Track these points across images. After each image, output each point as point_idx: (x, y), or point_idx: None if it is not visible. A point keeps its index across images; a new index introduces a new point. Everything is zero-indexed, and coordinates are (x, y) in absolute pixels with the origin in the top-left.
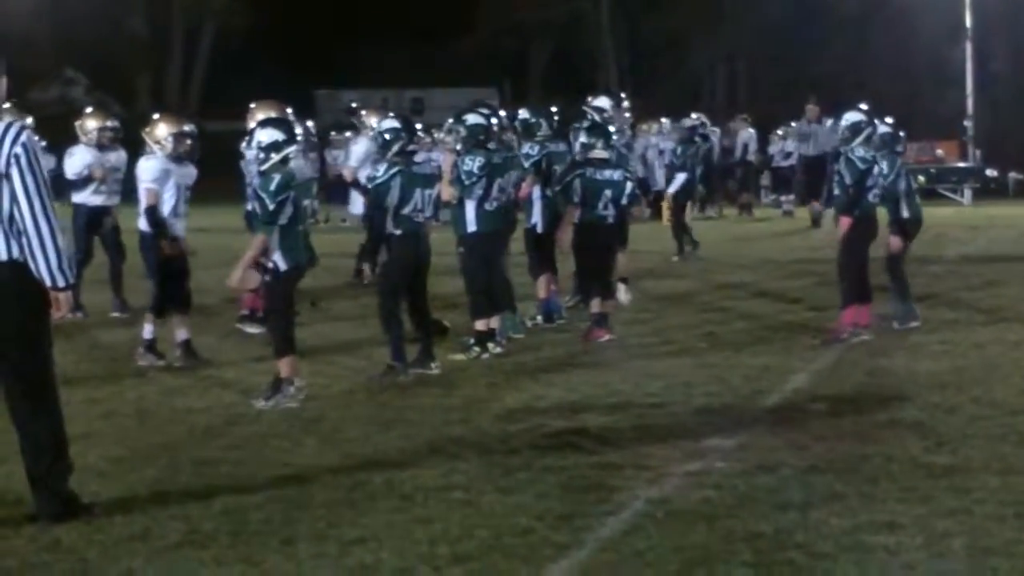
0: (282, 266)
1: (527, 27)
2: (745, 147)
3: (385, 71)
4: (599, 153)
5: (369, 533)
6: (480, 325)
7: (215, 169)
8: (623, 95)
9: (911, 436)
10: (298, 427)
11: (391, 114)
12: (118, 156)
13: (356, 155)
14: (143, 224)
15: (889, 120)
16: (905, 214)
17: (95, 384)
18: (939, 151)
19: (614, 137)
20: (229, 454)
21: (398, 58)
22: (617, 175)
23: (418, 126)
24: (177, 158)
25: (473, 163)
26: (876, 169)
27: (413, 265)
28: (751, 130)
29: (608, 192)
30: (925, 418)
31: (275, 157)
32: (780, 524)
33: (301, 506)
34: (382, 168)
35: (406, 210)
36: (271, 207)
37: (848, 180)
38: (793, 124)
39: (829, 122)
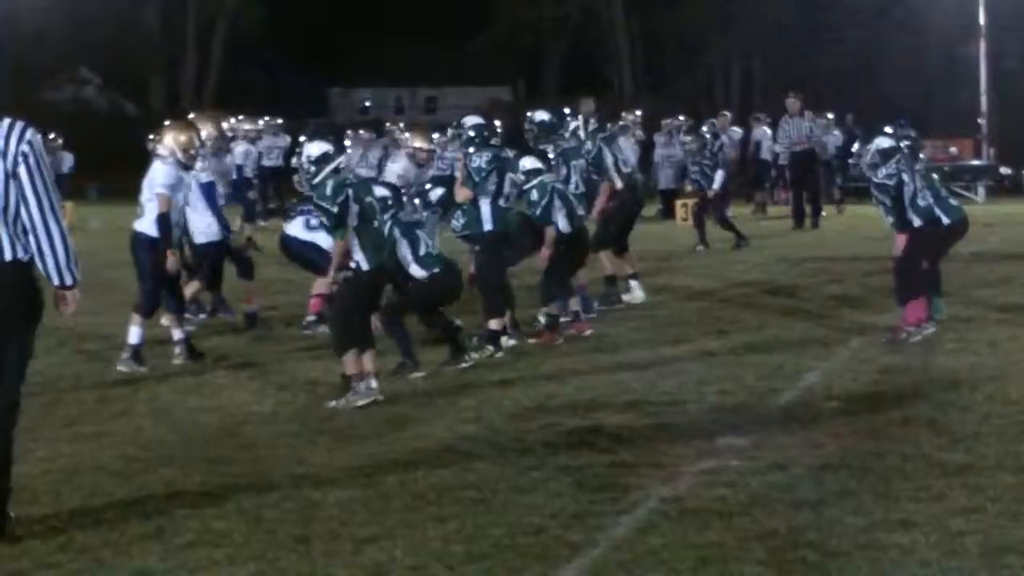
0: (364, 266)
1: (542, 25)
2: (758, 145)
3: (399, 70)
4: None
5: (383, 532)
6: (495, 324)
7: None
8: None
9: (925, 434)
10: (312, 426)
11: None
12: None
13: (393, 172)
14: (149, 228)
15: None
16: (945, 220)
17: (109, 384)
18: (953, 149)
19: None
20: (243, 453)
21: (412, 57)
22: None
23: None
24: (186, 167)
25: (480, 159)
26: (906, 177)
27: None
28: (765, 128)
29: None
30: (939, 416)
31: (327, 169)
32: (794, 522)
33: (315, 505)
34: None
35: None
36: (334, 211)
37: (888, 201)
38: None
39: (808, 115)
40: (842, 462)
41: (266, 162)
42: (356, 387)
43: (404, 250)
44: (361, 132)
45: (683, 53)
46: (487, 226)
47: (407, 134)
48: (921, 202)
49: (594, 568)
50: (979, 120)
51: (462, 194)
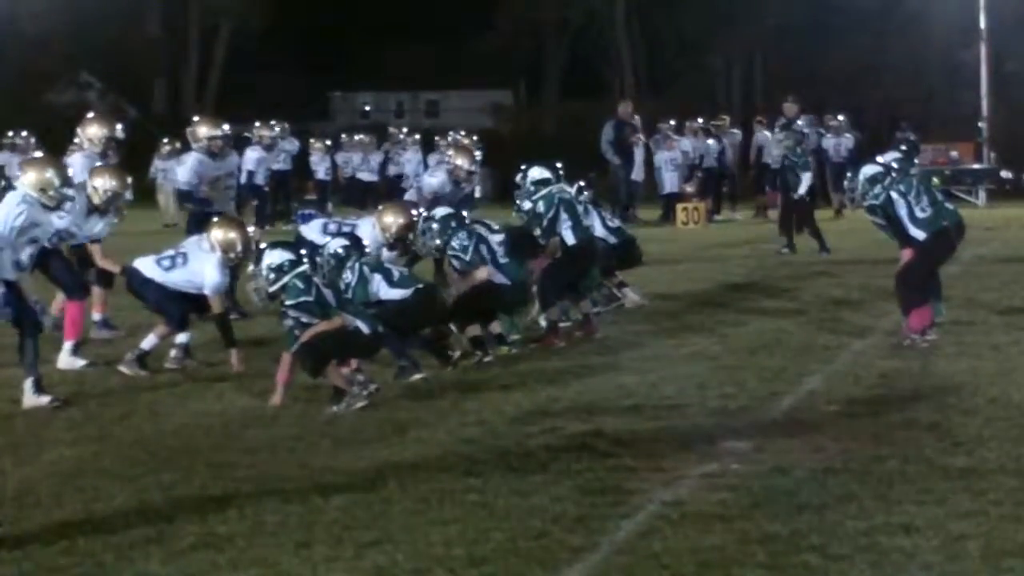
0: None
1: (543, 28)
2: (760, 149)
3: (400, 74)
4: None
5: (385, 535)
6: (472, 331)
7: None
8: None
9: (927, 437)
10: (314, 430)
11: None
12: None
13: (429, 187)
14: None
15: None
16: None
17: (111, 387)
18: (954, 153)
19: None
20: (244, 457)
21: (413, 60)
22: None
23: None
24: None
25: (458, 242)
26: (895, 195)
27: None
28: (767, 132)
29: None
30: (941, 419)
31: (284, 279)
32: (795, 526)
33: (317, 508)
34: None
35: None
36: (312, 300)
37: (882, 221)
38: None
39: (804, 120)
40: (844, 465)
41: (274, 166)
42: (351, 391)
43: (377, 283)
44: (361, 137)
45: (684, 56)
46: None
47: (450, 151)
48: (921, 214)
49: (596, 572)
50: (980, 124)
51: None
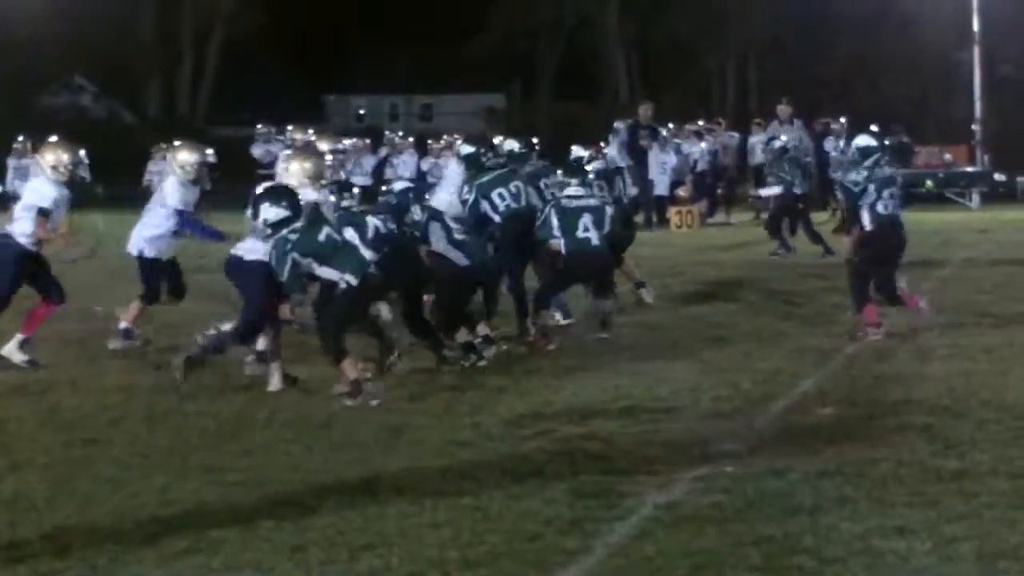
0: (352, 282)
1: (537, 32)
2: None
3: (394, 77)
4: (574, 191)
5: (379, 539)
6: (460, 337)
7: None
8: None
9: (920, 440)
10: (308, 432)
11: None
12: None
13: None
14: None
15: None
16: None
17: (105, 390)
18: (947, 155)
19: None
20: (239, 460)
21: (408, 64)
22: (594, 201)
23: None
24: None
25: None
26: (871, 188)
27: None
28: (764, 135)
29: (587, 217)
30: (934, 422)
31: (284, 231)
32: (789, 528)
33: (311, 511)
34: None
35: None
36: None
37: (845, 203)
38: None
39: (798, 123)
40: (837, 468)
41: (260, 171)
42: (366, 388)
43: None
44: (354, 140)
45: (678, 59)
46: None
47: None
48: (881, 209)
49: (589, 575)
50: (973, 126)
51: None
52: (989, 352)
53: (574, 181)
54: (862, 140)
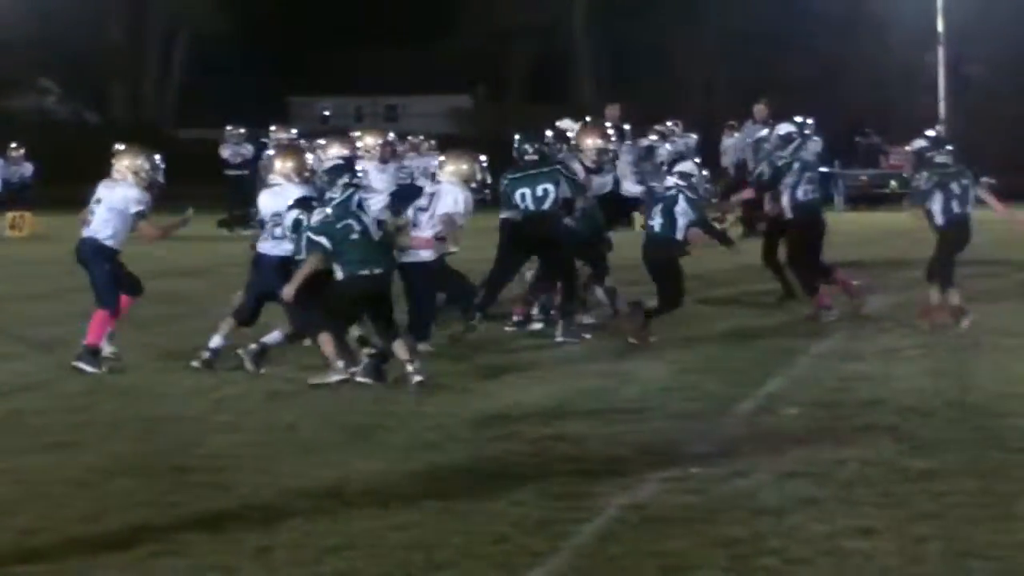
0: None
1: (505, 32)
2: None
3: (360, 78)
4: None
5: (345, 541)
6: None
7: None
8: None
9: (887, 440)
10: (275, 435)
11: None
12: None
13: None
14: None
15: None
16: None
17: (72, 394)
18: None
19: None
20: (206, 462)
21: (373, 65)
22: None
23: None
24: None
25: None
26: (795, 166)
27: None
28: (738, 135)
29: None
30: (901, 422)
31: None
32: (756, 529)
33: (278, 514)
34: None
35: None
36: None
37: (766, 176)
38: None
39: (772, 124)
40: (804, 469)
41: (229, 172)
42: (334, 365)
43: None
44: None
45: (647, 60)
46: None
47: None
48: (801, 195)
49: None
50: (938, 127)
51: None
52: (956, 352)
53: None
54: (783, 128)
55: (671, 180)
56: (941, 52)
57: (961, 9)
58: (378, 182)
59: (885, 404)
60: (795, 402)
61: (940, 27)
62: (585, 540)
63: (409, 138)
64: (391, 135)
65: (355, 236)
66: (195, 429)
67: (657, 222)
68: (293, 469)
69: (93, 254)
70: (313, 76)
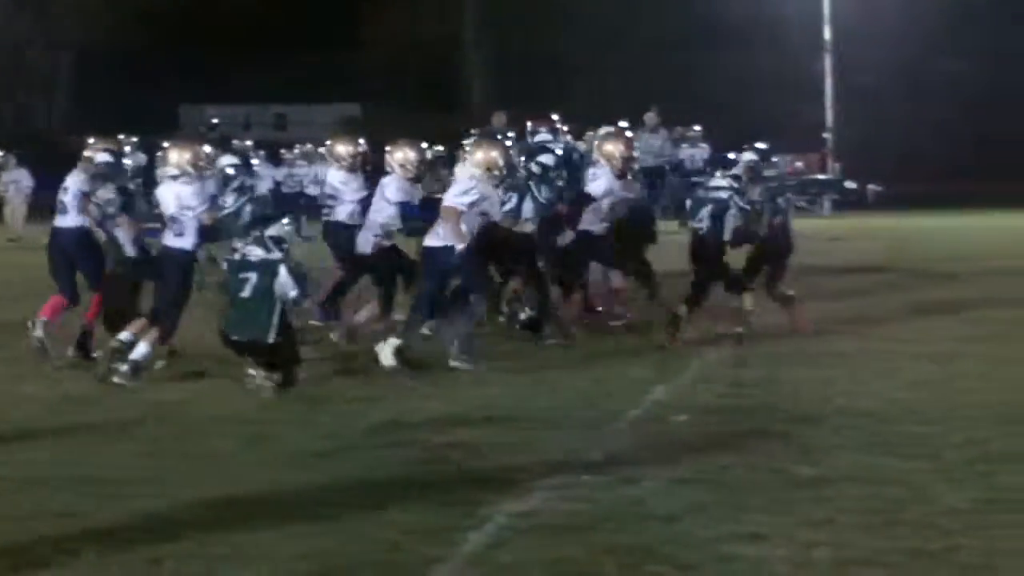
0: None
1: (396, 43)
2: None
3: (248, 87)
4: None
5: (238, 550)
6: None
7: None
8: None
9: (775, 446)
10: (166, 445)
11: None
12: None
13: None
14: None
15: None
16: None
17: None
18: (799, 164)
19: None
20: (96, 472)
21: (262, 74)
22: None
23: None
24: None
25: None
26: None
27: None
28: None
29: None
30: (789, 429)
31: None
32: (645, 536)
33: (170, 524)
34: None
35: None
36: None
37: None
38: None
39: (663, 132)
40: (693, 475)
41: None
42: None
43: None
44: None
45: (536, 68)
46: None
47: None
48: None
49: None
50: (825, 135)
51: None
52: (843, 358)
53: None
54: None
55: (724, 182)
56: (828, 60)
57: (847, 17)
58: (349, 192)
59: (774, 410)
60: (684, 409)
61: (827, 35)
62: (476, 548)
63: (298, 147)
64: (362, 143)
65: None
66: (85, 440)
67: (705, 224)
68: (183, 478)
69: None
70: (201, 84)
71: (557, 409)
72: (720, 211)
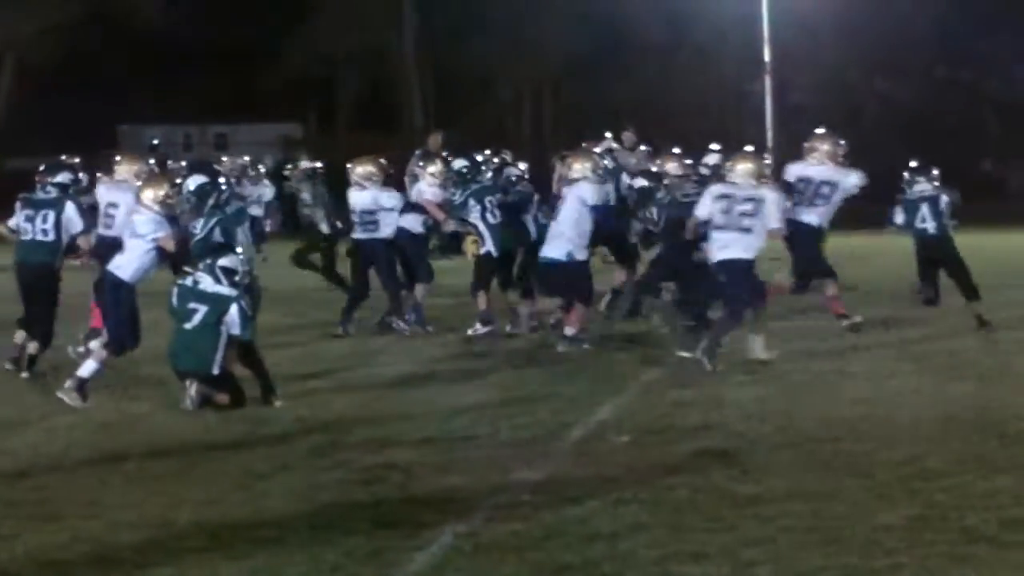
0: None
1: (333, 59)
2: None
3: (189, 107)
4: None
5: (176, 572)
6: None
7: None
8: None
9: (716, 466)
10: (104, 466)
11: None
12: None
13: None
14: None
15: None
16: None
17: None
18: None
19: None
20: (34, 494)
21: (203, 93)
22: None
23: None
24: None
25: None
26: (472, 200)
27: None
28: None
29: None
30: (730, 447)
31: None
32: (588, 555)
33: (107, 546)
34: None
35: None
36: None
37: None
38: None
39: (642, 152)
40: (635, 495)
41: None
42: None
43: None
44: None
45: (474, 87)
46: None
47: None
48: (492, 220)
49: None
50: (764, 155)
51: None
52: (783, 378)
53: None
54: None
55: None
56: (768, 80)
57: (787, 38)
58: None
59: (714, 430)
60: (626, 429)
61: (767, 56)
62: (418, 568)
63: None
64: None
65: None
66: (24, 462)
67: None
68: (123, 500)
69: None
70: (142, 104)
71: (491, 428)
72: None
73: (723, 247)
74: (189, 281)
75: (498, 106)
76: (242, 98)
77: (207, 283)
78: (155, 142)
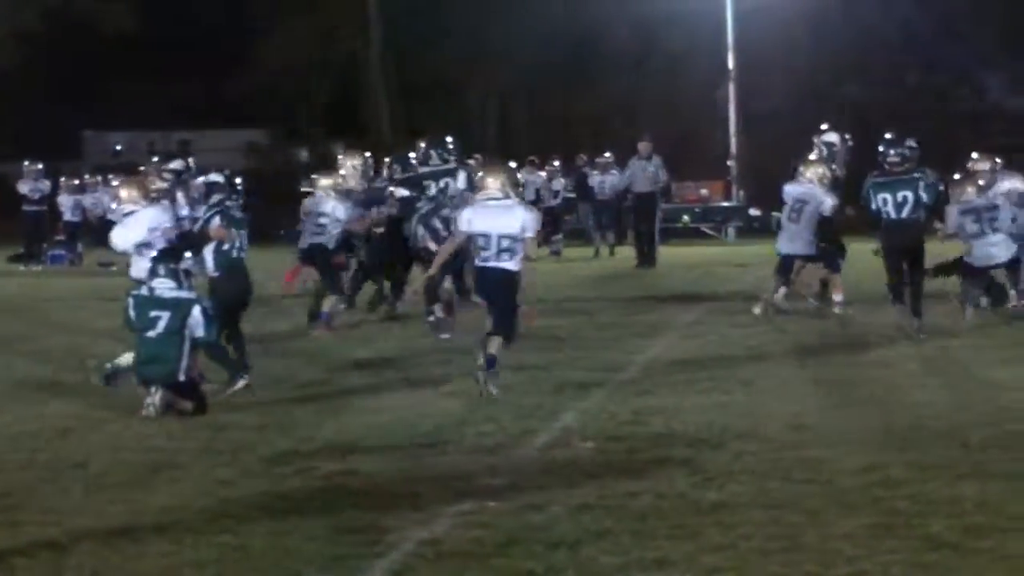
0: None
1: (302, 67)
2: (537, 192)
3: (154, 113)
4: None
5: None
6: None
7: None
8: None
9: (679, 473)
10: (64, 473)
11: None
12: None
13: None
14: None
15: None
16: None
17: None
18: (703, 191)
19: None
20: None
21: (167, 100)
22: None
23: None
24: None
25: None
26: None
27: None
28: (541, 174)
29: None
30: (693, 455)
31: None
32: (551, 562)
33: (67, 552)
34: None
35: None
36: None
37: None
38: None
39: (658, 160)
40: (598, 502)
41: (27, 207)
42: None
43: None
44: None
45: (441, 95)
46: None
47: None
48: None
49: None
50: (729, 162)
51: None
52: (747, 385)
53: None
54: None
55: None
56: (732, 89)
57: (752, 47)
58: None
59: (677, 437)
60: (589, 435)
61: (731, 64)
62: (380, 575)
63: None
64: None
65: None
66: None
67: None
68: (83, 506)
69: None
70: (106, 110)
71: (454, 435)
72: None
73: None
74: (144, 290)
75: (465, 114)
76: (206, 104)
77: (164, 289)
78: (118, 148)
